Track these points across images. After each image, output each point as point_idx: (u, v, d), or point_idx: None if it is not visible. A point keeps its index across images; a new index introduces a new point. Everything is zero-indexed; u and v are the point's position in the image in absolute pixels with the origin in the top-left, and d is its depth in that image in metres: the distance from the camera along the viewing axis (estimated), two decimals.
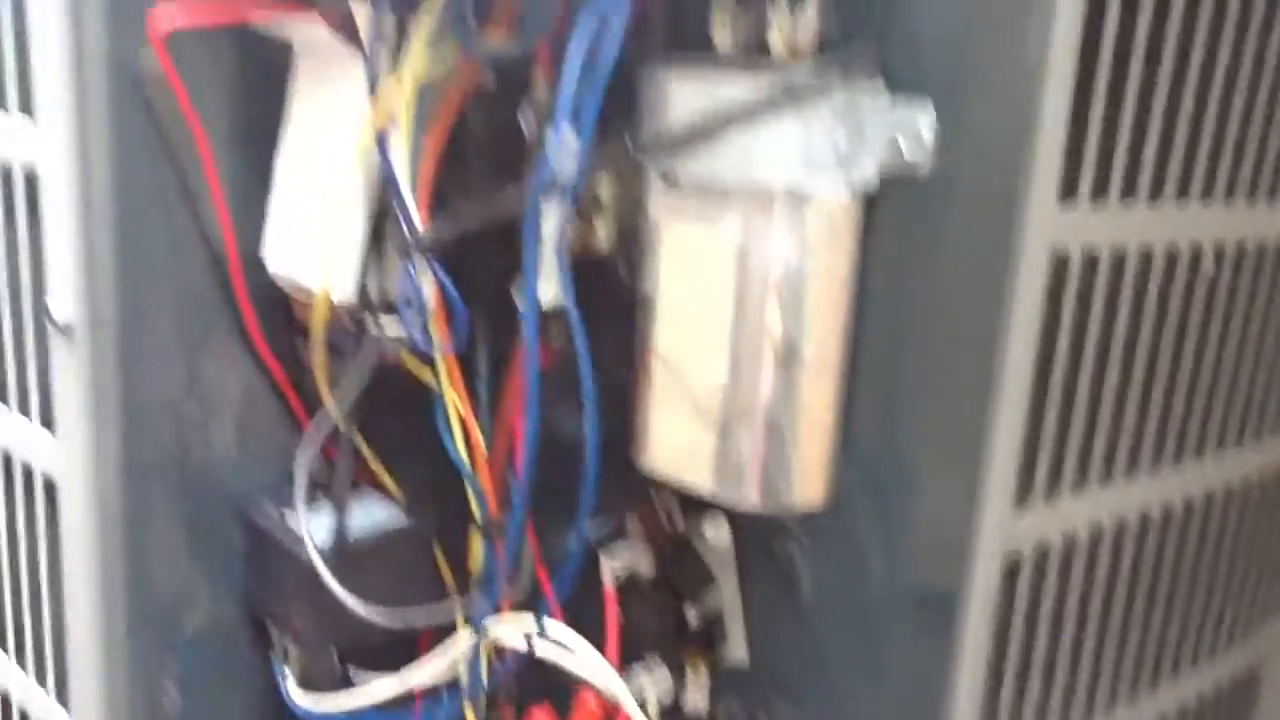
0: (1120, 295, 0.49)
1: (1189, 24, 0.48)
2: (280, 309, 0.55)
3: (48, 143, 0.49)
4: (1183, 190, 0.51)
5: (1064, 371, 0.48)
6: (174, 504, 0.55)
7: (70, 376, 0.51)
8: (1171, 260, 0.51)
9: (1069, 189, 0.45)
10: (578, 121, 0.46)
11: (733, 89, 0.45)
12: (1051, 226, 0.44)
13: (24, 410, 0.56)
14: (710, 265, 0.48)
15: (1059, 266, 0.46)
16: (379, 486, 0.60)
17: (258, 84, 0.52)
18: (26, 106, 0.50)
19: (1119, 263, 0.49)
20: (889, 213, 0.47)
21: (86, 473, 0.52)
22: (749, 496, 0.48)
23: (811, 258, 0.47)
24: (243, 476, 0.58)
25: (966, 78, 0.44)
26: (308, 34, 0.48)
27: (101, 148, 0.48)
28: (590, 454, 0.50)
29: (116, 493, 0.52)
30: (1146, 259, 0.50)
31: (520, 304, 0.49)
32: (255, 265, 0.54)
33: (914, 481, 0.47)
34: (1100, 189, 0.46)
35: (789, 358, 0.48)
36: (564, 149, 0.46)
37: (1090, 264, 0.47)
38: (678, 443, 0.50)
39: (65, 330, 0.51)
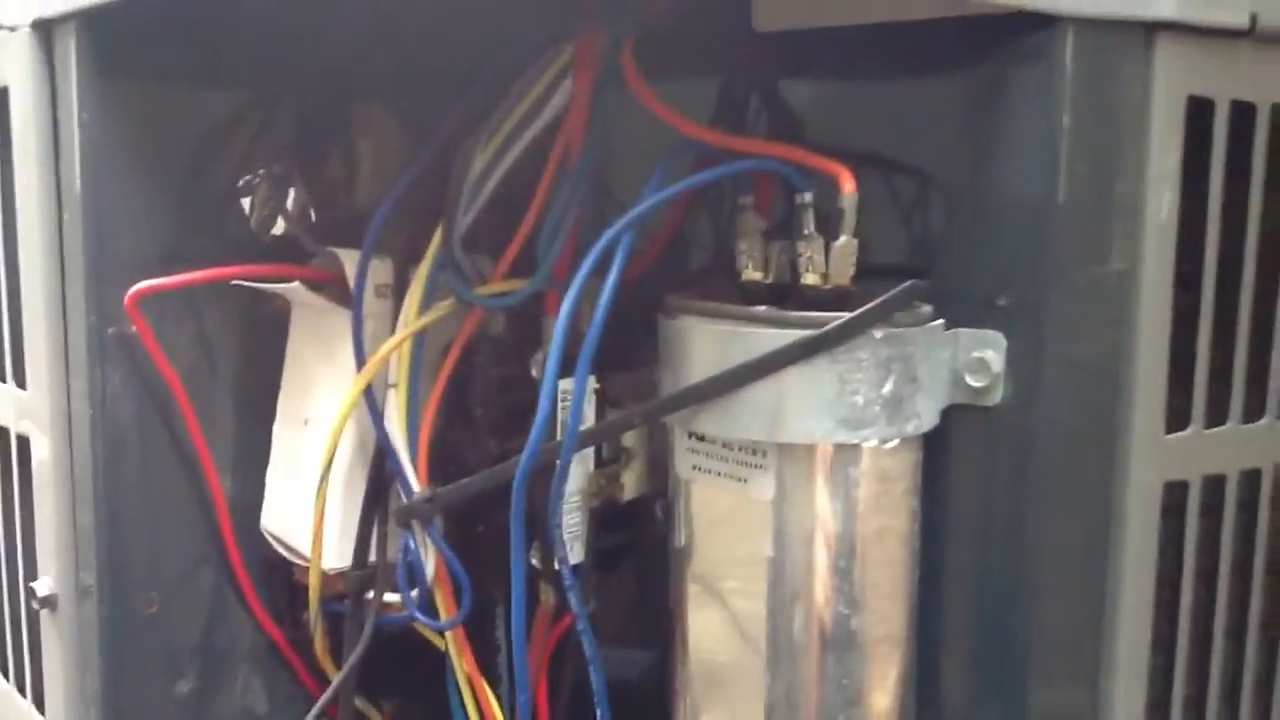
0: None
1: None
2: (281, 572, 0.50)
3: (36, 411, 0.46)
4: None
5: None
6: None
7: (54, 649, 0.47)
8: None
9: (1179, 419, 0.39)
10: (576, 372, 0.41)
11: (757, 338, 0.39)
12: (1160, 459, 0.39)
13: (20, 689, 0.52)
14: (743, 531, 0.41)
15: (1174, 495, 0.40)
16: None
17: (258, 342, 0.48)
18: (20, 379, 0.48)
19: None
20: (959, 445, 0.41)
21: None
22: None
23: (862, 520, 0.41)
24: None
25: (1041, 294, 0.39)
26: (295, 293, 0.44)
27: (83, 415, 0.44)
28: None
29: None
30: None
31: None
32: (253, 530, 0.50)
33: None
34: (1218, 413, 0.41)
35: (842, 640, 0.40)
36: (567, 402, 0.41)
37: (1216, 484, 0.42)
38: None
39: (47, 602, 0.47)
